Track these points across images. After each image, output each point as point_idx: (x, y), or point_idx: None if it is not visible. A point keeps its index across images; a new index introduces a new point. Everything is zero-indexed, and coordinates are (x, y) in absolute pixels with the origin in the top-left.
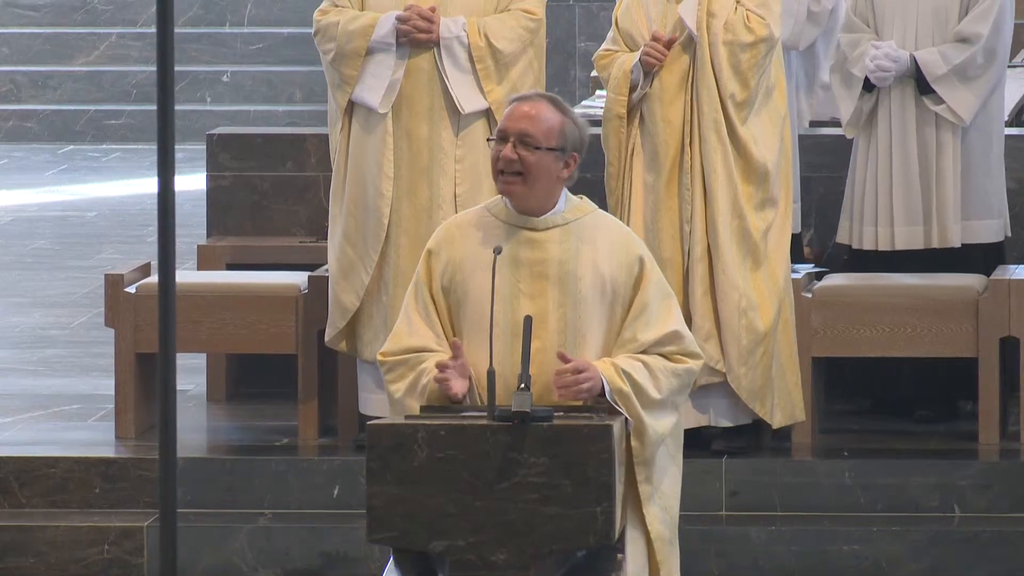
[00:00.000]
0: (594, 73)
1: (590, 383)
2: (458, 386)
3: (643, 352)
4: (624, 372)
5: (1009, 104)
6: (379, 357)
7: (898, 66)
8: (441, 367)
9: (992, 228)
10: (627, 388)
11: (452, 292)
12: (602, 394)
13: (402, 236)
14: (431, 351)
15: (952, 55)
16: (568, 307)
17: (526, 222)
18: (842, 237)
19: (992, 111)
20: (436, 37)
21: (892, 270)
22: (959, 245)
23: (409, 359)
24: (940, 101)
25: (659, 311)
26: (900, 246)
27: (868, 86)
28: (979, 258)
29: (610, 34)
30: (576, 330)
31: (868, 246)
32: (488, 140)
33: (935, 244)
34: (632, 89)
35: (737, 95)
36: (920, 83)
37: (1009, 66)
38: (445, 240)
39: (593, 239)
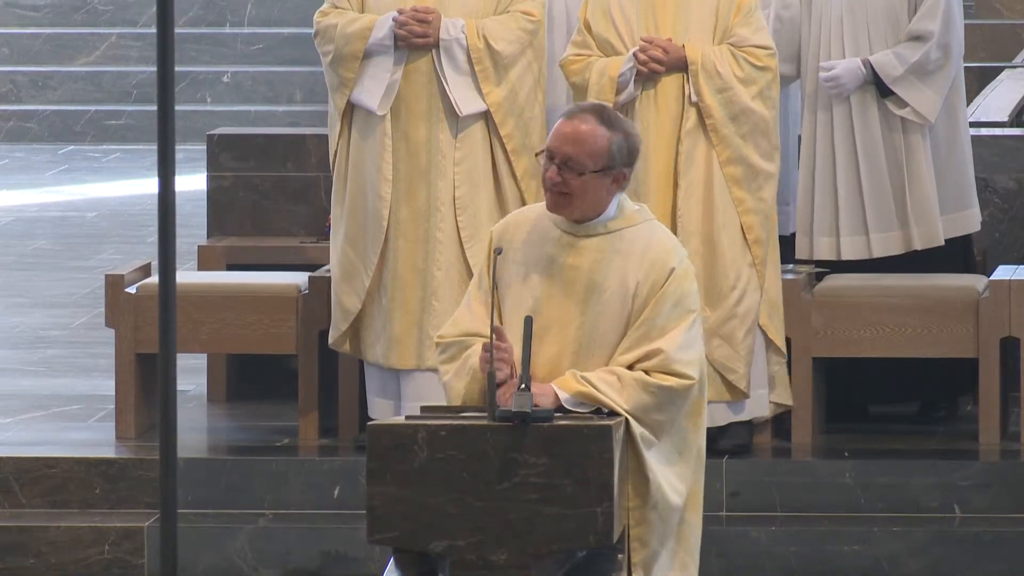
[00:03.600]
0: None
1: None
2: (502, 370)
3: (629, 368)
4: (583, 378)
5: (1009, 104)
6: (436, 339)
7: (850, 74)
8: (486, 347)
9: (966, 219)
10: (587, 389)
11: (499, 283)
12: (559, 407)
13: (400, 239)
14: (485, 336)
15: (907, 54)
16: (588, 316)
17: (571, 227)
18: (801, 252)
19: (953, 104)
20: (434, 40)
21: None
22: (943, 243)
23: (462, 341)
24: (903, 104)
25: (664, 327)
26: (878, 253)
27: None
28: (958, 252)
29: (577, 37)
30: (591, 340)
31: (831, 257)
32: (536, 154)
33: (917, 246)
34: (618, 93)
35: (769, 115)
36: (880, 86)
37: (1009, 66)
38: (504, 232)
39: (629, 252)
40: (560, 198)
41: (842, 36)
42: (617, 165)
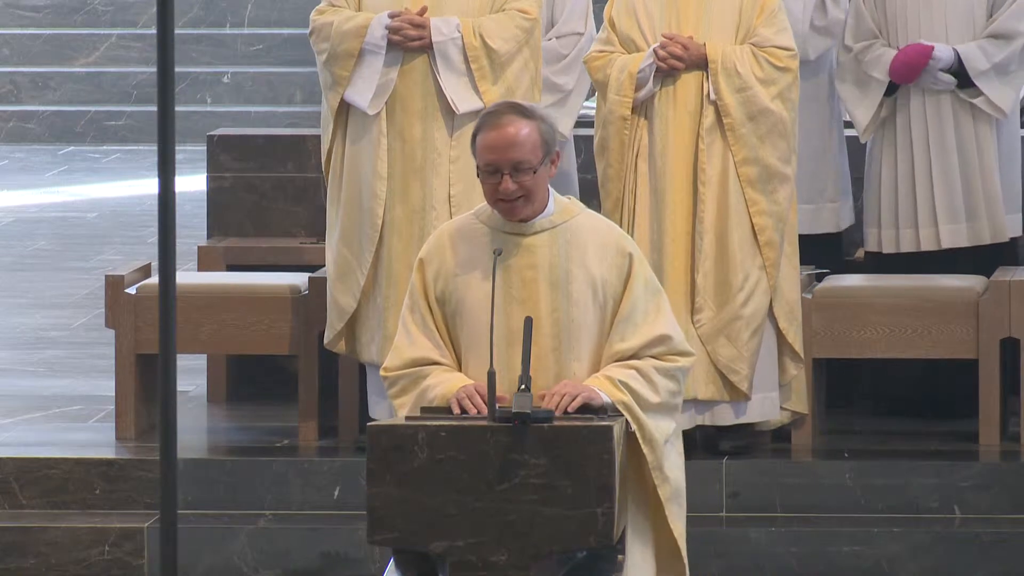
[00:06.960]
0: None
1: (581, 391)
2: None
3: (633, 357)
4: (620, 383)
5: None
6: (382, 372)
7: (948, 60)
8: (468, 393)
9: (1018, 221)
10: (627, 398)
11: (447, 302)
12: (603, 408)
13: (394, 237)
14: (433, 362)
15: (993, 51)
16: (561, 310)
17: (515, 228)
18: (872, 244)
19: None
20: (428, 42)
21: (922, 270)
22: (1007, 239)
23: (411, 373)
24: (978, 93)
25: (647, 311)
26: (946, 244)
27: (890, 90)
28: (1015, 251)
29: (602, 34)
30: (569, 332)
31: (908, 248)
32: (478, 175)
33: (987, 240)
34: (637, 90)
35: (788, 117)
36: (959, 77)
37: None
38: (436, 249)
39: (583, 241)
40: (518, 203)
41: (919, 29)
42: (552, 148)
